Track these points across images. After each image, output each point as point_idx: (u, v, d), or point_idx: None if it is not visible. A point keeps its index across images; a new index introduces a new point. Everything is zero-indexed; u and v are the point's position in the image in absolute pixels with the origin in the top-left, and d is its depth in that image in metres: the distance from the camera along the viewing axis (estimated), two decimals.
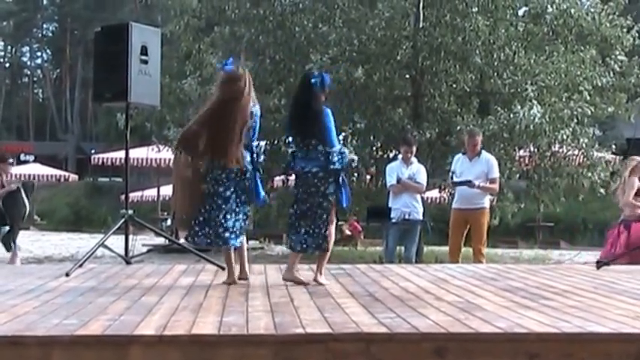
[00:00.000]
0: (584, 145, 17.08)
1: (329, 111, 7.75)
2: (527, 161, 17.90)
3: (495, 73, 17.40)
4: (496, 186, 12.22)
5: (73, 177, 45.70)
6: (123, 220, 9.64)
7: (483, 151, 12.19)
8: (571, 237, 33.36)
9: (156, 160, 26.24)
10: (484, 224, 11.77)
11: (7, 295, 6.81)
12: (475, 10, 17.38)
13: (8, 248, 13.32)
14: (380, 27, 17.70)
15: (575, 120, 16.91)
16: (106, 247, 9.52)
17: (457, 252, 11.86)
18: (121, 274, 8.71)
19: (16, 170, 44.50)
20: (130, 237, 10.02)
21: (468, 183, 11.59)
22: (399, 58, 17.63)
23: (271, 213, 18.46)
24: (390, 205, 12.39)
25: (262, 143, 18.00)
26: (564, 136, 16.61)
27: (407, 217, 12.20)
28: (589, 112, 17.03)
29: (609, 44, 17.81)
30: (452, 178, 11.95)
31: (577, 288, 7.48)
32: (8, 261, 13.15)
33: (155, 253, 17.89)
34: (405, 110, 17.88)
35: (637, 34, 18.03)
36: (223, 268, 8.84)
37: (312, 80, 7.72)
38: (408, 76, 18.09)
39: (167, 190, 29.65)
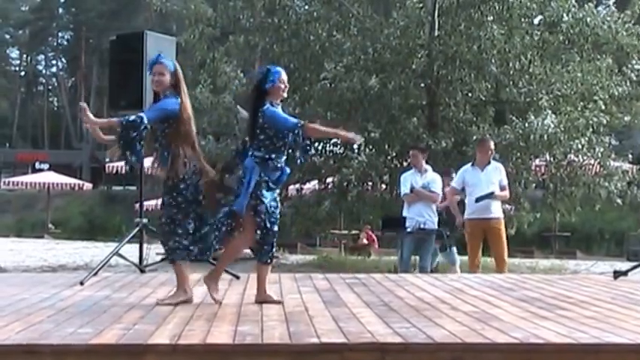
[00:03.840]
0: (600, 155, 16.98)
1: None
2: (543, 170, 17.82)
3: (511, 82, 17.34)
4: (507, 193, 12.17)
5: (88, 185, 45.83)
6: (137, 228, 9.64)
7: (491, 160, 12.12)
8: (587, 247, 33.16)
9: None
10: (502, 233, 11.68)
11: (21, 304, 6.81)
12: (490, 18, 17.33)
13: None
14: (395, 36, 17.67)
15: (591, 129, 16.82)
16: (120, 255, 9.52)
17: (477, 263, 11.75)
18: (136, 282, 8.70)
19: (31, 179, 44.77)
20: (145, 246, 10.02)
21: (491, 195, 11.50)
22: (414, 66, 17.60)
23: (285, 222, 18.41)
24: (404, 214, 12.33)
25: None
26: (580, 146, 16.53)
27: (422, 226, 12.13)
28: (605, 121, 16.94)
29: (625, 53, 17.73)
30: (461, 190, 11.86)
31: (594, 298, 7.43)
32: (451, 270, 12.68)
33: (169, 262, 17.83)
34: (420, 119, 17.83)
35: None
36: (238, 277, 8.83)
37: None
38: (423, 84, 18.04)
39: None
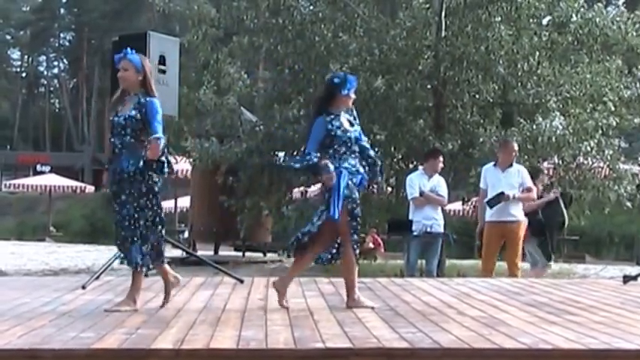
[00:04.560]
0: (609, 157, 16.86)
1: (321, 119, 7.08)
2: (551, 173, 17.70)
3: (519, 84, 17.23)
4: (534, 194, 11.99)
5: (90, 188, 45.84)
6: None
7: (514, 162, 11.92)
8: (596, 251, 33.12)
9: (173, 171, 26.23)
10: (520, 238, 11.51)
11: (23, 308, 6.81)
12: (498, 19, 17.22)
13: (548, 258, 12.73)
14: (401, 36, 17.57)
15: (600, 131, 16.69)
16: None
17: (491, 267, 11.60)
18: None
19: (32, 181, 44.78)
20: None
21: (501, 196, 11.34)
22: (420, 68, 17.53)
23: (289, 225, 18.32)
24: (411, 217, 12.23)
25: (281, 154, 17.87)
26: (589, 148, 16.42)
27: (429, 229, 12.03)
28: (614, 124, 16.83)
29: (635, 54, 17.62)
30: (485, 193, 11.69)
31: (603, 303, 7.38)
32: (535, 273, 12.32)
33: (172, 266, 17.77)
34: (427, 121, 17.73)
35: None
36: (242, 281, 8.78)
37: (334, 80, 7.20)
38: (429, 86, 17.94)
39: (184, 202, 29.62)
